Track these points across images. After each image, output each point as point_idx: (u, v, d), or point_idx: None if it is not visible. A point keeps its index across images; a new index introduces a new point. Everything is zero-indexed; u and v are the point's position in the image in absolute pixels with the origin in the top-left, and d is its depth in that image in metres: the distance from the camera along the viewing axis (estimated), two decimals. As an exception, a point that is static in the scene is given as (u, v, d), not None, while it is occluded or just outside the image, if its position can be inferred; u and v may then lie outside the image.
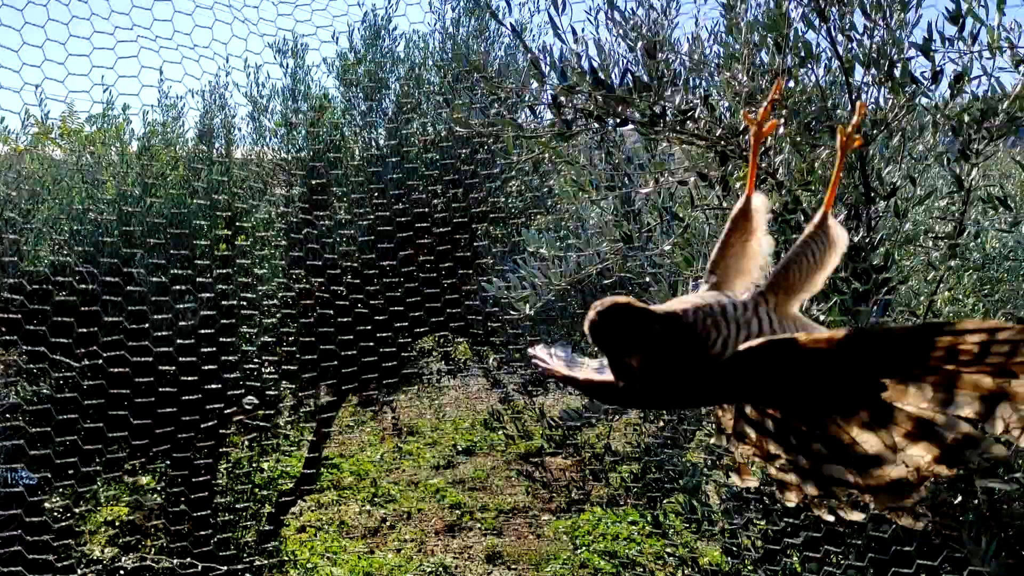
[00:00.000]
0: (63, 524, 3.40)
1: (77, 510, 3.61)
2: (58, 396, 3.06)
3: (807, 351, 0.74)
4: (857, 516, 0.89)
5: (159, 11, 2.73)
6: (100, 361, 2.86)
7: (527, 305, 1.61)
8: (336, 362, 3.49)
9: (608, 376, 0.83)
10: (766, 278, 0.92)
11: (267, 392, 3.60)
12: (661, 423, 2.28)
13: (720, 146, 1.42)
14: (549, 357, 1.01)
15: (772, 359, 0.76)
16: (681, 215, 1.44)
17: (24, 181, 3.42)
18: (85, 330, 2.80)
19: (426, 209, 3.69)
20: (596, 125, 1.40)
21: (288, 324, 3.65)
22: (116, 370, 2.86)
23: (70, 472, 3.08)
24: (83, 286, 2.96)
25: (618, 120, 1.37)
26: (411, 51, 3.94)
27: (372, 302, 3.55)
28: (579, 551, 4.28)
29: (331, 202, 3.82)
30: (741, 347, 0.78)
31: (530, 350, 1.06)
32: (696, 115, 1.38)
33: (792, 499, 0.91)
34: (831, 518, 0.89)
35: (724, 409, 0.94)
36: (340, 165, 3.85)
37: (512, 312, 1.66)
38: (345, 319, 3.46)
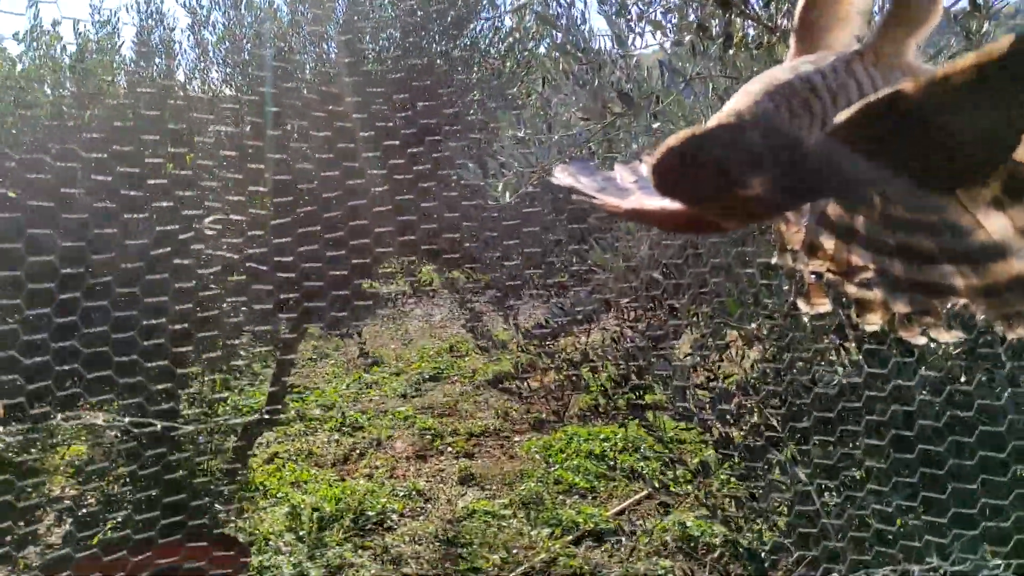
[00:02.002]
0: (19, 463, 3.26)
1: (33, 450, 3.46)
2: None
3: (924, 102, 0.54)
4: (955, 335, 0.74)
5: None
6: (44, 287, 2.67)
7: (507, 192, 1.50)
8: (297, 288, 3.36)
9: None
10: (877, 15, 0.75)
11: (226, 320, 3.46)
12: (644, 324, 2.21)
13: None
14: (587, 185, 0.79)
15: (877, 127, 0.57)
16: (680, 71, 1.32)
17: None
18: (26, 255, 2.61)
19: (388, 124, 3.51)
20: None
21: (244, 249, 3.49)
22: (64, 296, 2.67)
23: (19, 412, 2.94)
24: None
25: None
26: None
27: (332, 226, 3.39)
28: (553, 469, 4.26)
29: (284, 120, 3.62)
30: (830, 126, 0.59)
31: (554, 178, 0.86)
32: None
33: (875, 321, 0.76)
34: (922, 340, 0.74)
35: (786, 219, 0.81)
36: (291, 80, 3.65)
37: (491, 201, 1.55)
38: (305, 246, 3.30)
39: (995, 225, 0.66)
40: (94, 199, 2.88)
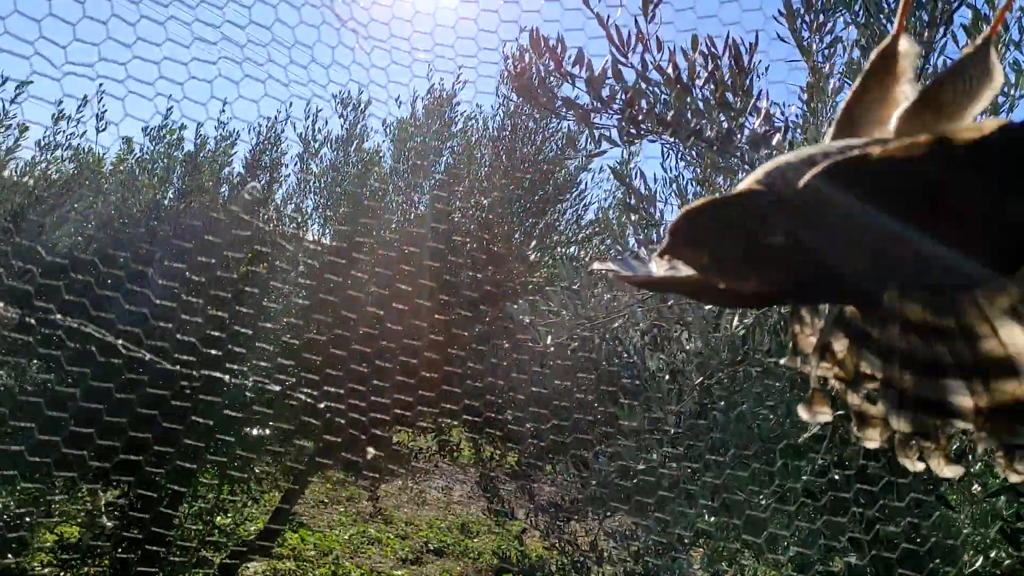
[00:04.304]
0: (11, 527, 3.19)
1: (28, 519, 3.39)
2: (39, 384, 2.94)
3: (898, 169, 0.51)
4: (953, 471, 0.66)
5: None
6: (92, 350, 2.72)
7: (549, 336, 1.50)
8: (324, 423, 3.34)
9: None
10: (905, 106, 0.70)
11: (249, 432, 3.45)
12: (659, 526, 2.10)
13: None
14: (622, 271, 0.83)
15: (851, 189, 0.55)
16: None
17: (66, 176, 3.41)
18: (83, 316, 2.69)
19: (455, 282, 3.60)
20: (665, 136, 1.33)
21: (287, 371, 3.52)
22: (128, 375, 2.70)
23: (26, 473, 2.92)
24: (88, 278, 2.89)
25: (689, 135, 1.29)
26: (468, 126, 3.99)
27: (376, 371, 3.39)
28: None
29: (363, 257, 3.76)
30: (797, 185, 0.56)
31: (593, 267, 0.90)
32: (773, 142, 1.29)
33: (874, 438, 0.70)
34: (919, 466, 0.67)
35: (803, 322, 0.78)
36: (377, 223, 3.83)
37: (531, 342, 1.55)
38: (346, 385, 3.31)
39: (1010, 338, 0.61)
40: (165, 290, 2.99)
